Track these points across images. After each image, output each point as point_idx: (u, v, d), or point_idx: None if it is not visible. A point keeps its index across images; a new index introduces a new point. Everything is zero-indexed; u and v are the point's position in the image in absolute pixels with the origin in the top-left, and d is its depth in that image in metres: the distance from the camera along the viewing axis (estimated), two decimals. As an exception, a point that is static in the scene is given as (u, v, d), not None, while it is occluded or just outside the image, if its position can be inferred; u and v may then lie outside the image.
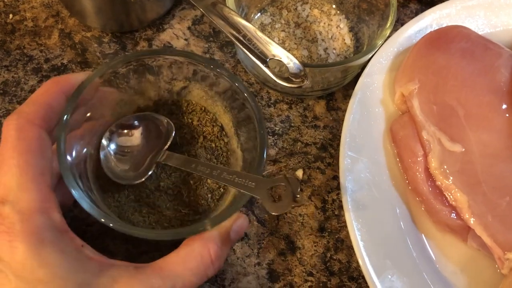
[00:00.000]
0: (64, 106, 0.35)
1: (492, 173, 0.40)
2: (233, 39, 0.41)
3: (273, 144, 0.48)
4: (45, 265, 0.30)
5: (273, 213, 0.41)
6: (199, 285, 0.34)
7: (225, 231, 0.35)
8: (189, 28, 0.52)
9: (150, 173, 0.41)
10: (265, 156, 0.37)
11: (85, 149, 0.40)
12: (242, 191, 0.35)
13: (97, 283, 0.31)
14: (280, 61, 0.40)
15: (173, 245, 0.38)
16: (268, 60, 0.40)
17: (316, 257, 0.44)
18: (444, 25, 0.47)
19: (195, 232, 0.35)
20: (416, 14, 0.54)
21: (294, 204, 0.33)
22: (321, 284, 0.43)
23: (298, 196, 0.33)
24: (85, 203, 0.34)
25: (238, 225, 0.36)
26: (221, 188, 0.42)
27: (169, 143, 0.42)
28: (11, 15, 0.51)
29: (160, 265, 0.33)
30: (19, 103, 0.47)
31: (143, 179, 0.41)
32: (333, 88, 0.49)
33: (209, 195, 0.42)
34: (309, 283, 0.43)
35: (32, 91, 0.48)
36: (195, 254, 0.33)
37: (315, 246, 0.44)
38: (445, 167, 0.41)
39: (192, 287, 0.33)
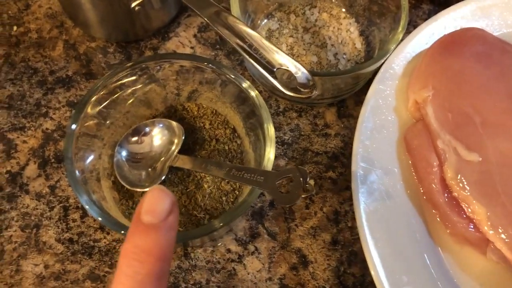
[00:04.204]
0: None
1: (512, 183, 0.39)
2: (239, 49, 0.40)
3: (282, 154, 0.46)
4: None
5: (284, 205, 0.41)
6: None
7: (135, 217, 0.26)
8: (195, 35, 0.51)
9: (163, 177, 0.41)
10: (270, 151, 0.37)
11: (98, 160, 0.40)
12: (252, 186, 0.35)
13: None
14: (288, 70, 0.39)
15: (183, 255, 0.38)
16: (275, 69, 0.39)
17: (329, 271, 0.42)
18: (458, 27, 0.45)
19: (206, 232, 0.35)
20: (429, 15, 0.52)
21: (304, 193, 0.32)
22: (334, 299, 0.41)
23: (308, 185, 0.32)
24: (95, 213, 0.35)
25: (146, 202, 0.26)
26: (235, 191, 0.42)
27: (179, 146, 0.42)
28: (15, 27, 0.50)
29: None
30: (24, 117, 0.46)
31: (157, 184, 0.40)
32: (345, 95, 0.47)
33: (224, 198, 0.42)
34: (322, 299, 0.41)
35: (37, 104, 0.47)
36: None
37: (327, 259, 0.43)
38: (462, 177, 0.39)
39: None
